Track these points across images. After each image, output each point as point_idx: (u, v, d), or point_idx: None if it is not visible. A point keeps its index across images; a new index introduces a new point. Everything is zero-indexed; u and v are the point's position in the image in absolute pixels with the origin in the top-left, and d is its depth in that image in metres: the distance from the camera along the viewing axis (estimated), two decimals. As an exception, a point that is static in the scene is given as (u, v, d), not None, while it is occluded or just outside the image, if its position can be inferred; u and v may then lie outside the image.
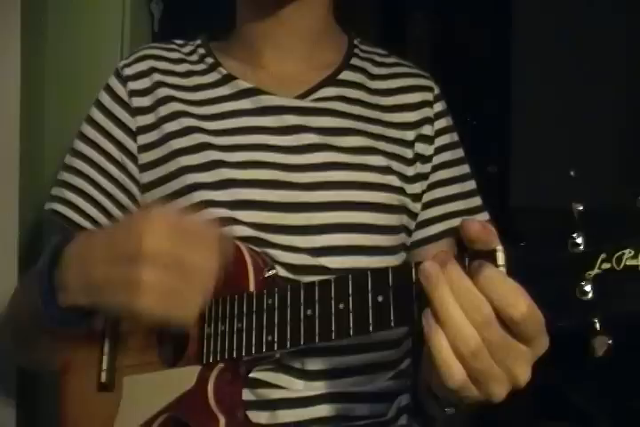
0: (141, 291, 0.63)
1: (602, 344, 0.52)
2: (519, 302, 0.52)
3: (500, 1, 2.72)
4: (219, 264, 0.66)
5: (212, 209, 0.81)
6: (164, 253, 0.63)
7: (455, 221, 0.90)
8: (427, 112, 0.92)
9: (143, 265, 0.63)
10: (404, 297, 0.59)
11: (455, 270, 0.55)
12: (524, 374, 0.55)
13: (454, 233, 0.90)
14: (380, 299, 0.61)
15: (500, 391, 0.55)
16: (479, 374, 0.54)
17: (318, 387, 0.79)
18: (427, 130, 0.91)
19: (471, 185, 0.94)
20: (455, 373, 0.54)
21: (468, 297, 0.54)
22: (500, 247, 0.55)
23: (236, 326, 0.71)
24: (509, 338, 0.54)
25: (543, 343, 0.55)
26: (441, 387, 0.57)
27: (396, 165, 0.88)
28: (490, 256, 0.55)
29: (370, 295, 0.62)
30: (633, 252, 0.50)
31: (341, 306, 0.63)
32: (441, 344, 0.55)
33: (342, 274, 0.65)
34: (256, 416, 0.77)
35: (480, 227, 0.56)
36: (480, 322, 0.53)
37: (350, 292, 0.63)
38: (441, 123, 0.93)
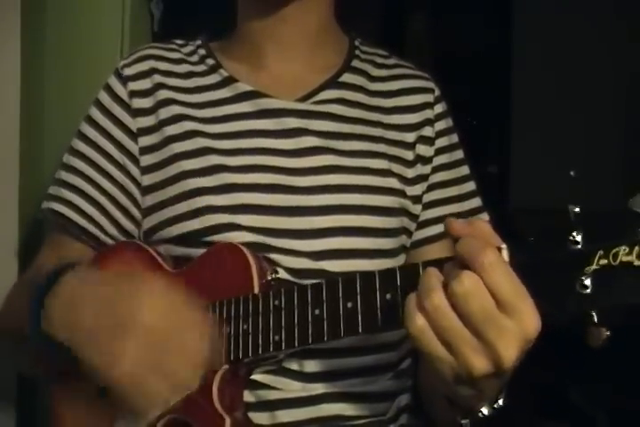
0: (118, 362, 0.62)
1: (600, 336, 0.54)
2: (486, 250, 0.54)
3: (500, 1, 2.72)
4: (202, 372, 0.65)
5: (213, 214, 0.81)
6: (155, 333, 0.63)
7: None
8: (427, 114, 0.92)
9: (130, 338, 0.62)
10: None
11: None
12: (508, 353, 0.54)
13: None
14: (388, 297, 0.62)
15: (478, 364, 0.54)
16: (446, 332, 0.54)
17: (317, 388, 0.79)
18: (427, 131, 0.91)
19: (470, 186, 0.94)
20: (416, 319, 0.55)
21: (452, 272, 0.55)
22: (504, 245, 0.57)
23: (241, 328, 0.71)
24: (492, 309, 0.54)
25: (532, 322, 0.54)
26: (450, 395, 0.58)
27: (396, 168, 0.88)
28: None
29: (378, 294, 0.62)
30: (627, 248, 0.53)
31: (350, 305, 0.64)
32: (412, 297, 0.56)
33: (349, 274, 0.66)
34: (255, 417, 0.77)
35: (463, 225, 0.58)
36: (460, 294, 0.54)
37: (358, 291, 0.64)
38: (441, 124, 0.93)
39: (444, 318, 0.55)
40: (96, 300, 0.66)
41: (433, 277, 0.56)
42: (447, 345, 0.55)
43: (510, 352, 0.54)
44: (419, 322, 0.55)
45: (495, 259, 0.54)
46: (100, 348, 0.64)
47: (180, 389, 0.65)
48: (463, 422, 0.63)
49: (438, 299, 0.55)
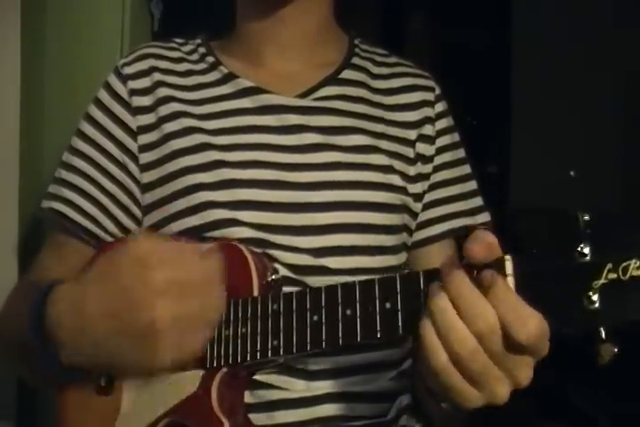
0: (162, 356, 0.58)
1: (608, 352, 0.52)
2: (528, 324, 0.52)
3: (500, 1, 2.72)
4: (224, 300, 0.62)
5: (213, 210, 0.81)
6: (177, 315, 0.58)
7: (456, 222, 0.90)
8: (427, 112, 0.92)
9: (161, 336, 0.58)
10: (412, 304, 0.59)
11: (463, 285, 0.55)
12: (525, 377, 0.55)
13: (457, 236, 0.90)
14: (387, 305, 0.61)
15: (503, 393, 0.55)
16: (478, 376, 0.54)
17: (319, 387, 0.79)
18: (428, 130, 0.91)
19: (472, 186, 0.93)
20: (440, 354, 0.54)
21: (475, 310, 0.54)
22: (508, 257, 0.55)
23: (240, 331, 0.71)
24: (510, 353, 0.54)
25: (546, 350, 0.54)
26: (435, 388, 0.57)
27: (397, 164, 0.88)
28: (498, 265, 0.55)
29: (377, 302, 0.62)
30: (639, 262, 0.51)
31: (348, 312, 0.64)
32: (439, 349, 0.55)
33: (349, 280, 0.65)
34: (256, 418, 0.77)
35: (485, 248, 0.55)
36: (485, 332, 0.53)
37: (358, 298, 0.63)
38: (442, 123, 0.93)
39: (479, 363, 0.54)
40: (104, 299, 0.61)
41: (463, 330, 0.54)
42: (476, 384, 0.55)
43: (528, 376, 0.55)
44: (442, 358, 0.54)
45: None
46: (129, 343, 0.59)
47: (218, 295, 0.61)
48: (443, 405, 0.63)
49: (472, 345, 0.53)
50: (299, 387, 0.79)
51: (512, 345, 0.53)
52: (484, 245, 0.55)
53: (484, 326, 0.53)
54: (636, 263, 0.51)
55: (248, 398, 0.77)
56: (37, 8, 1.23)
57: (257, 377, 0.77)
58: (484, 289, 0.54)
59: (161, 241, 0.62)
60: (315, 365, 0.79)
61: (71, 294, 0.64)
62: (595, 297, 0.52)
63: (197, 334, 0.60)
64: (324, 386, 0.79)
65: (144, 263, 0.59)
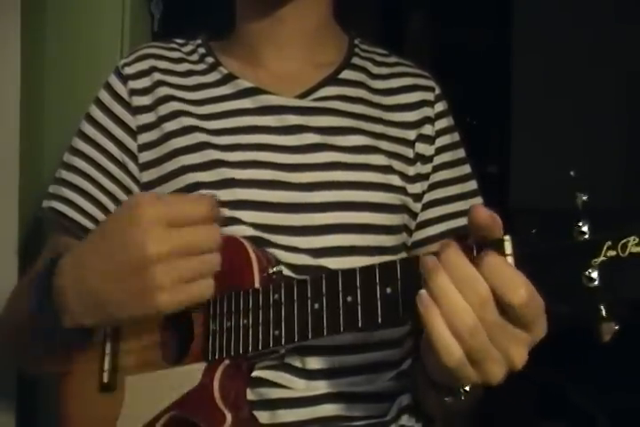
0: (159, 292, 0.64)
1: (608, 330, 0.52)
2: (519, 289, 0.53)
3: (500, 1, 2.72)
4: (219, 234, 0.68)
5: None
6: (167, 248, 0.64)
7: (455, 222, 0.90)
8: (427, 112, 0.92)
9: (153, 268, 0.64)
10: (412, 288, 0.59)
11: (453, 254, 0.56)
12: (520, 357, 0.55)
13: (457, 236, 0.90)
14: (388, 291, 0.61)
15: (497, 372, 0.56)
16: (476, 353, 0.55)
17: (319, 386, 0.79)
18: (427, 130, 0.91)
19: (472, 185, 0.93)
20: (453, 350, 0.55)
21: (466, 280, 0.55)
22: (507, 237, 0.56)
23: (242, 322, 0.71)
24: (505, 321, 0.55)
25: (541, 328, 0.55)
26: (438, 369, 0.58)
27: (397, 165, 0.88)
28: (497, 245, 0.56)
29: (378, 287, 0.62)
30: (638, 239, 0.51)
31: (349, 299, 0.64)
32: (437, 321, 0.55)
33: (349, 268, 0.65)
34: (257, 416, 0.77)
35: (488, 213, 0.57)
36: (477, 302, 0.54)
37: (358, 284, 0.63)
38: (442, 123, 0.93)
39: (478, 340, 0.54)
40: (96, 263, 0.68)
41: (462, 305, 0.55)
42: (473, 362, 0.55)
43: (522, 356, 0.56)
44: (456, 353, 0.55)
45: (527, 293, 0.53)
46: (128, 300, 0.66)
47: (214, 252, 0.68)
48: (446, 399, 0.63)
49: (472, 320, 0.54)
50: (299, 386, 0.78)
51: (506, 310, 0.54)
52: (489, 214, 0.56)
53: (476, 297, 0.54)
54: (635, 240, 0.51)
55: (249, 395, 0.77)
56: (37, 8, 1.23)
57: (257, 374, 0.77)
58: (479, 265, 0.55)
59: (159, 200, 0.67)
60: (314, 364, 0.79)
61: (75, 252, 0.71)
62: (594, 275, 0.52)
63: (193, 267, 0.66)
64: (323, 386, 0.79)
65: (136, 205, 0.65)
